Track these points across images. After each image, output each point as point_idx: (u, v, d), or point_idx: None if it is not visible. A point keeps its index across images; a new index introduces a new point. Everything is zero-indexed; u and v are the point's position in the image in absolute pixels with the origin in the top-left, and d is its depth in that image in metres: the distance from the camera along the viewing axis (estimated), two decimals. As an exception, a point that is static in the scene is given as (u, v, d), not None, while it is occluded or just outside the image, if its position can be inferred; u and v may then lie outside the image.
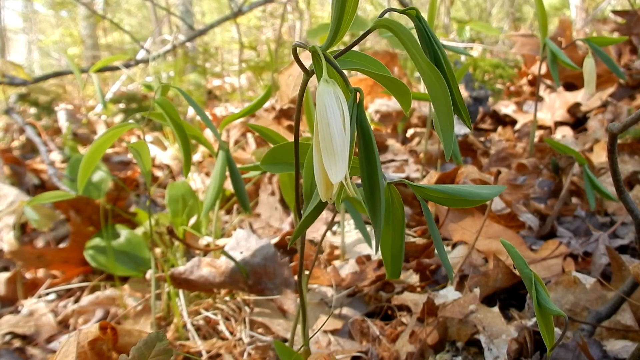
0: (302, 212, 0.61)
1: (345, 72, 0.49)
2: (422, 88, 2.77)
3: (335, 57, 0.50)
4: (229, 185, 1.52)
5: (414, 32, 0.49)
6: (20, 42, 15.02)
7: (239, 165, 0.96)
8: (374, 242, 1.33)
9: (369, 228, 1.47)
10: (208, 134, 2.35)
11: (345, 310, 1.10)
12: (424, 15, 0.59)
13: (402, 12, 0.49)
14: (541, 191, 1.37)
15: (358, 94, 0.46)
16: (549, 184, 1.48)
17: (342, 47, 0.51)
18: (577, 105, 2.14)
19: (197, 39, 3.86)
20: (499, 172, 1.04)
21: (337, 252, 1.35)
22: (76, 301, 1.34)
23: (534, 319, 0.88)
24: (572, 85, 2.26)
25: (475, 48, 3.72)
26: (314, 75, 0.52)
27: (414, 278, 1.15)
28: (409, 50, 0.45)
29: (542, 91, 2.29)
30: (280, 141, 0.84)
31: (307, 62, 0.51)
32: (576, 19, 5.58)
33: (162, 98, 0.90)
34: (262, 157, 0.61)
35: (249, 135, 2.30)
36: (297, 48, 0.50)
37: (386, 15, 0.49)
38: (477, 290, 0.93)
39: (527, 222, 1.23)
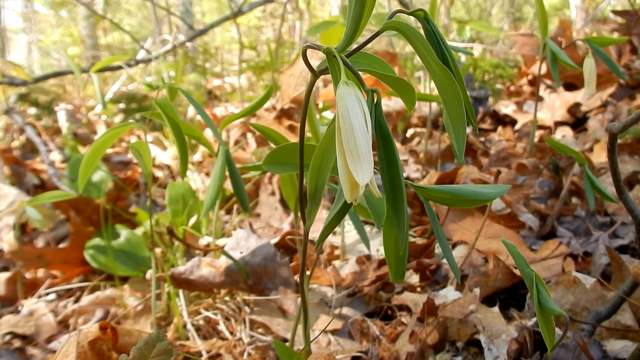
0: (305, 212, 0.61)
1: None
2: (422, 88, 2.78)
3: (347, 57, 0.49)
4: (229, 185, 1.52)
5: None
6: (20, 42, 15.03)
7: (239, 166, 0.96)
8: (372, 243, 1.33)
9: (367, 229, 1.47)
10: (208, 134, 2.35)
11: (345, 310, 1.10)
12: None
13: (410, 13, 0.49)
14: (541, 191, 1.37)
15: (375, 95, 0.46)
16: (549, 184, 1.48)
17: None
18: (577, 105, 2.14)
19: (197, 39, 3.86)
20: (499, 172, 1.05)
21: (337, 252, 1.35)
22: (76, 301, 1.34)
23: (534, 319, 0.88)
24: (572, 85, 2.26)
25: (475, 48, 3.72)
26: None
27: (414, 278, 1.15)
28: (419, 51, 0.45)
29: (542, 91, 2.29)
30: (281, 141, 0.84)
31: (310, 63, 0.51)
32: (576, 19, 5.59)
33: (162, 98, 0.90)
34: (265, 158, 0.61)
35: (249, 135, 2.30)
36: (307, 49, 0.49)
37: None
38: (477, 290, 0.93)
39: (527, 222, 1.23)
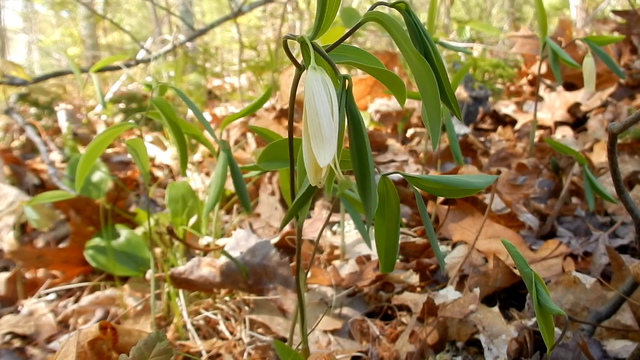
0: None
1: (340, 66, 0.49)
2: (422, 88, 2.77)
3: (328, 51, 0.50)
4: (229, 185, 1.52)
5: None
6: (20, 42, 15.03)
7: (239, 166, 0.96)
8: (372, 243, 1.33)
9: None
10: (208, 133, 2.35)
11: (345, 310, 1.10)
12: (423, 14, 0.59)
13: (391, 5, 0.49)
14: (541, 191, 1.37)
15: (347, 81, 0.46)
16: (549, 184, 1.48)
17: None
18: (577, 105, 2.14)
19: (197, 39, 3.86)
20: (499, 172, 1.04)
21: (337, 252, 1.35)
22: (76, 301, 1.33)
23: (534, 319, 0.88)
24: (572, 85, 2.26)
25: (475, 48, 3.72)
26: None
27: (414, 278, 1.15)
28: (397, 41, 0.46)
29: (542, 91, 2.29)
30: (279, 141, 0.84)
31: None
32: (576, 18, 5.59)
33: (159, 97, 0.90)
34: (259, 155, 0.61)
35: (249, 135, 2.30)
36: (288, 41, 0.50)
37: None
38: (477, 290, 0.93)
39: (527, 222, 1.23)
